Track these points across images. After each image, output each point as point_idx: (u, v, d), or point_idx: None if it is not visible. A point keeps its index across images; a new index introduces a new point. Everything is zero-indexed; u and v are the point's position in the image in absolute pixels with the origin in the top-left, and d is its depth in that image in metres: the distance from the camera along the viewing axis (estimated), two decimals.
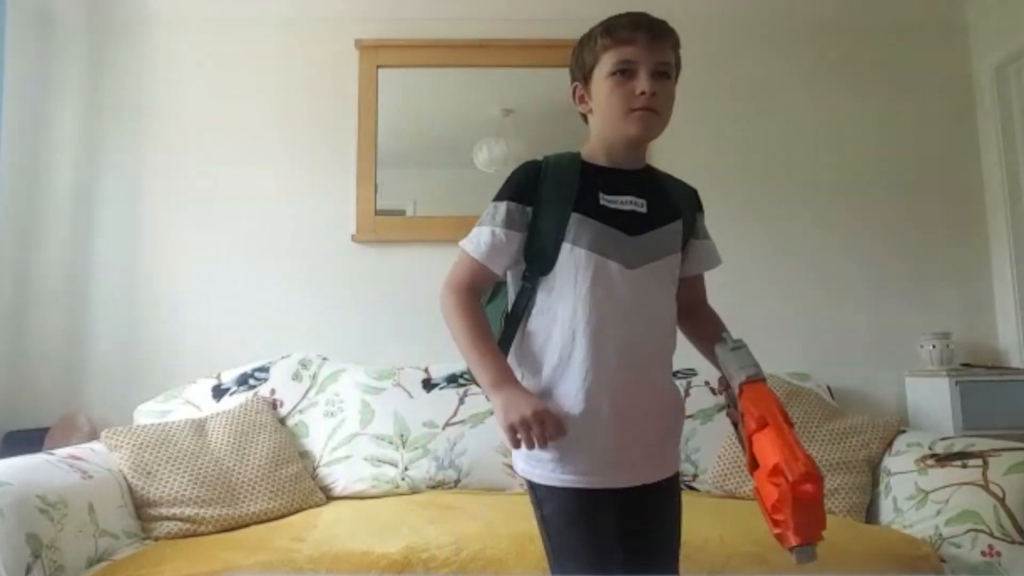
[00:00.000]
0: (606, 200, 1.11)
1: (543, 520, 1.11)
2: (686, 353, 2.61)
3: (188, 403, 2.24)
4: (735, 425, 1.06)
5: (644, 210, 1.12)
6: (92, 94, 2.63)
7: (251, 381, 2.30)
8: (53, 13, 2.62)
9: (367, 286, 2.56)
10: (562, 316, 1.09)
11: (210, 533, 1.81)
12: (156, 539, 1.78)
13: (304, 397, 2.29)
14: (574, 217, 1.09)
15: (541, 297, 1.12)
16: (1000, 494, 1.63)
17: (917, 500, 1.82)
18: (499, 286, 1.22)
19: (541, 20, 2.64)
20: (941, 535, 1.68)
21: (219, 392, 2.27)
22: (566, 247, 1.09)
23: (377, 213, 2.61)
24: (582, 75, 1.16)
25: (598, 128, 1.16)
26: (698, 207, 1.23)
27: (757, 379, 1.00)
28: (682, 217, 1.16)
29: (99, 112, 2.62)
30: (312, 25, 2.71)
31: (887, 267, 2.65)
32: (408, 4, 2.71)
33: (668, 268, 1.14)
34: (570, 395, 1.07)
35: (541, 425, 1.00)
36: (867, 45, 2.77)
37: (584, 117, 1.19)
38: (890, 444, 2.05)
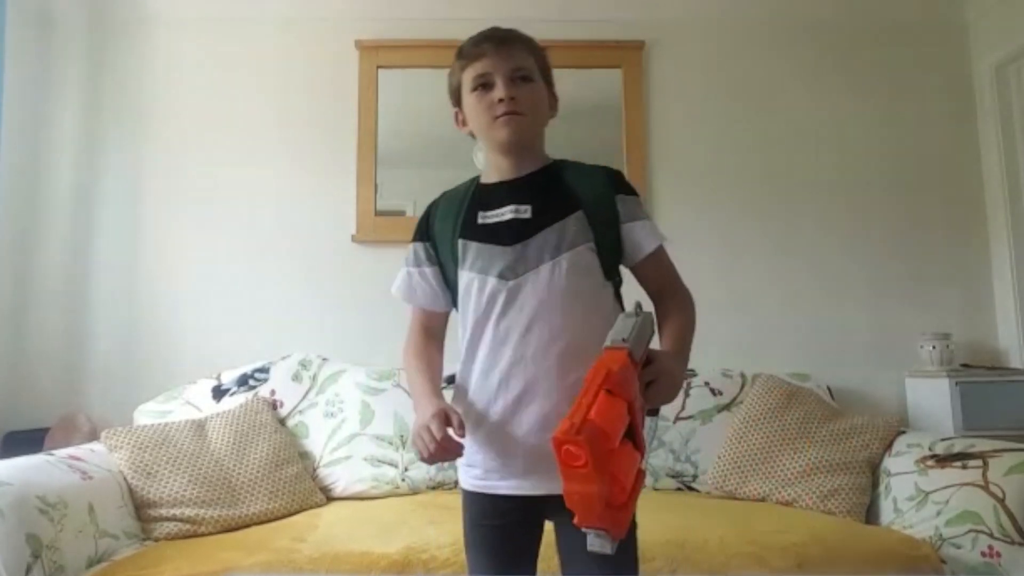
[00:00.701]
0: (484, 218, 1.14)
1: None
2: None
3: (188, 403, 2.24)
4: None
5: (528, 215, 1.11)
6: (92, 94, 2.63)
7: (251, 381, 2.30)
8: (53, 13, 2.62)
9: (367, 286, 2.56)
10: (463, 339, 1.14)
11: (210, 533, 1.81)
12: (156, 539, 1.78)
13: (304, 398, 2.29)
14: (460, 243, 1.14)
15: (461, 324, 1.16)
16: (1000, 495, 1.63)
17: (917, 501, 1.82)
18: None
19: (540, 20, 2.63)
20: (941, 536, 1.68)
21: (219, 392, 2.26)
22: (461, 273, 1.14)
23: (377, 213, 2.61)
24: (455, 100, 1.21)
25: (481, 144, 1.20)
26: (617, 189, 1.15)
27: (618, 347, 0.92)
28: (584, 208, 1.11)
29: (99, 112, 2.62)
30: (312, 25, 2.71)
31: (887, 267, 2.64)
32: (408, 4, 2.71)
33: (572, 264, 1.09)
34: (472, 407, 1.11)
35: (422, 440, 1.04)
36: (867, 45, 2.77)
37: (472, 137, 1.22)
38: (890, 445, 2.05)
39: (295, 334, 2.51)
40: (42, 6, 2.59)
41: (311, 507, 2.00)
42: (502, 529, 1.13)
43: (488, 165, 1.20)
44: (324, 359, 2.39)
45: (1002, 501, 1.62)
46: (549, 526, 1.13)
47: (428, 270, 1.19)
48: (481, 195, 1.17)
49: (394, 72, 2.69)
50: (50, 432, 2.30)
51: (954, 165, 2.74)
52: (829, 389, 2.41)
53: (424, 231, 1.21)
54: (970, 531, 1.63)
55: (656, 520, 1.70)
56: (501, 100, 1.11)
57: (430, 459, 1.04)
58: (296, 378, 2.32)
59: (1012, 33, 2.61)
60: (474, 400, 1.11)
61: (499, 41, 1.15)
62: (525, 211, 1.12)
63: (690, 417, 2.25)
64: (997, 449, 1.76)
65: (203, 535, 1.80)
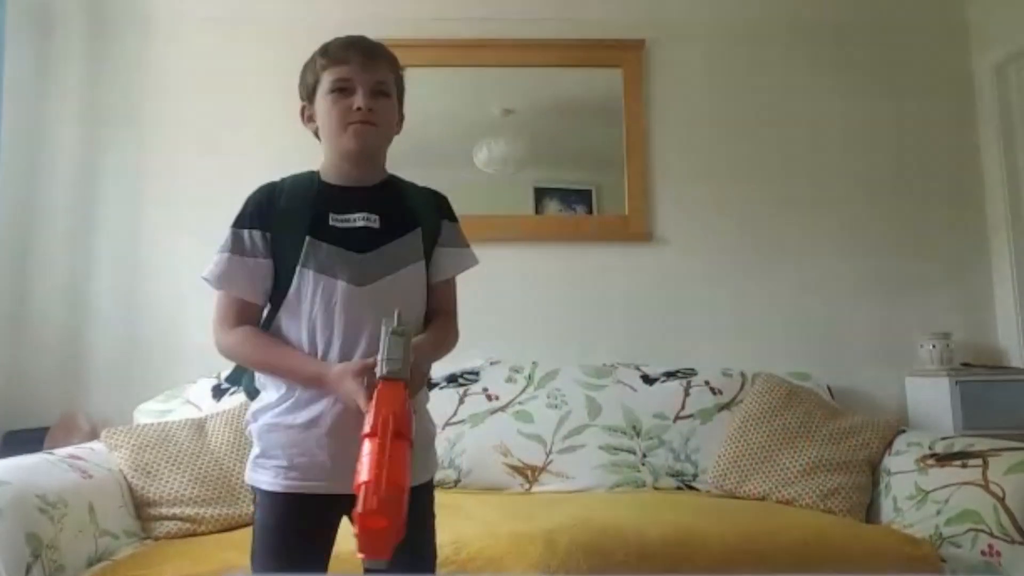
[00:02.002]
0: (336, 220, 1.14)
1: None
2: (687, 353, 2.61)
3: (188, 403, 2.24)
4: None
5: (376, 225, 1.14)
6: (92, 94, 2.63)
7: None
8: (53, 13, 2.62)
9: None
10: (295, 337, 1.12)
11: (210, 533, 1.80)
12: (156, 539, 1.78)
13: None
14: (308, 240, 1.12)
15: (281, 320, 1.14)
16: (1000, 494, 1.63)
17: (917, 500, 1.82)
18: None
19: (541, 20, 2.64)
20: (941, 535, 1.68)
21: (219, 392, 2.26)
22: (299, 271, 1.12)
23: None
24: (307, 95, 1.21)
25: (325, 145, 1.20)
26: (445, 215, 1.24)
27: (396, 377, 0.95)
28: (422, 226, 1.18)
29: (99, 112, 2.62)
30: (312, 25, 2.70)
31: (887, 267, 2.64)
32: (408, 4, 2.71)
33: (409, 279, 1.15)
34: (300, 407, 1.10)
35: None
36: (867, 45, 2.77)
37: (316, 135, 1.23)
38: (890, 444, 2.05)
39: None
40: (42, 6, 2.59)
41: None
42: (313, 532, 1.12)
43: (330, 165, 1.20)
44: None
45: (1002, 500, 1.62)
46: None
47: (261, 261, 1.14)
48: (329, 195, 1.17)
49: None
50: (50, 431, 2.30)
51: (954, 165, 2.74)
52: (829, 389, 2.41)
53: (262, 218, 1.15)
54: (970, 530, 1.63)
55: (656, 519, 1.71)
56: (359, 109, 1.13)
57: None
58: None
59: (1012, 33, 2.61)
60: (312, 398, 1.09)
61: (367, 52, 1.17)
62: (374, 221, 1.14)
63: (690, 416, 2.25)
64: (997, 448, 1.76)
65: (203, 534, 1.80)
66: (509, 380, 2.33)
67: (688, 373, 2.34)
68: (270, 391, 1.16)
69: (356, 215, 1.14)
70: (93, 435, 2.20)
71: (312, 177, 1.21)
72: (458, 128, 2.67)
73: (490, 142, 2.64)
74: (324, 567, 1.11)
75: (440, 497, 2.06)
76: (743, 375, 2.36)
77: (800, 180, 2.69)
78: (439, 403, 2.24)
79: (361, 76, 1.15)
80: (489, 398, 2.26)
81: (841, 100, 2.74)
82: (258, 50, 2.68)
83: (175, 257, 2.56)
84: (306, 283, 1.12)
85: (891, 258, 2.65)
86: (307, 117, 1.23)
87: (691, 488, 2.17)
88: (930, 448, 1.91)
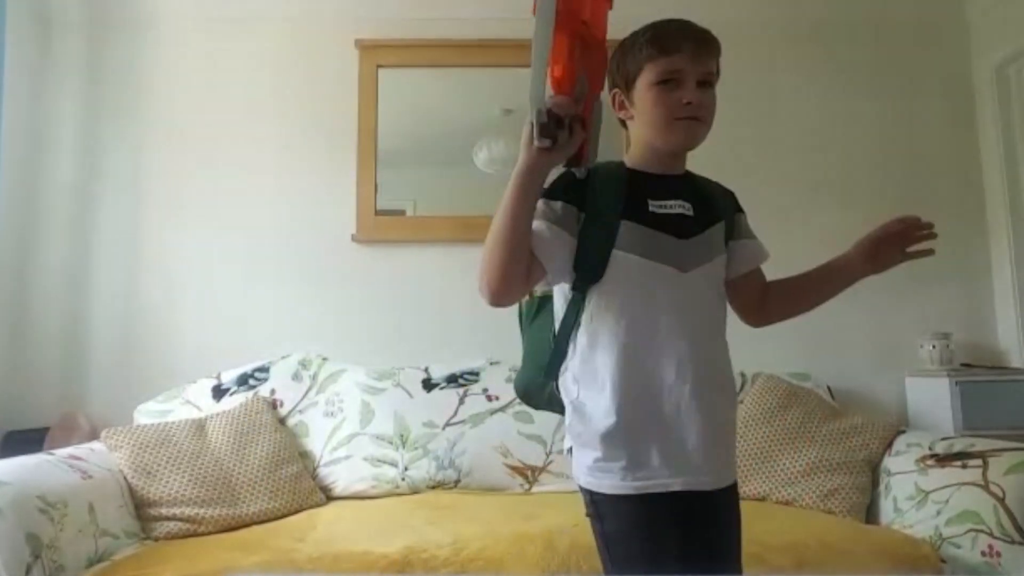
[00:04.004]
0: (655, 206, 1.11)
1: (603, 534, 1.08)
2: None
3: (188, 403, 2.24)
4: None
5: (691, 213, 1.13)
6: (92, 94, 2.63)
7: (251, 381, 2.30)
8: (53, 13, 2.62)
9: (367, 286, 2.56)
10: (618, 324, 1.06)
11: (210, 533, 1.81)
12: (156, 539, 1.78)
13: (304, 397, 2.29)
14: (624, 224, 1.08)
15: (594, 307, 1.08)
16: (1000, 494, 1.63)
17: (917, 500, 1.82)
18: (543, 303, 1.20)
19: None
20: (941, 535, 1.68)
21: (219, 392, 2.26)
22: (617, 255, 1.07)
23: (377, 213, 2.61)
24: (624, 82, 1.16)
25: (641, 135, 1.16)
26: (736, 208, 1.25)
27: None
28: (723, 219, 1.18)
29: (99, 112, 2.62)
30: (312, 25, 2.71)
31: None
32: (408, 4, 2.71)
33: (717, 269, 1.15)
34: (628, 400, 1.05)
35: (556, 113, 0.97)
36: (867, 45, 2.77)
37: (622, 123, 1.20)
38: (890, 444, 2.05)
39: (295, 334, 2.50)
40: (42, 6, 2.59)
41: (311, 507, 2.00)
42: (688, 529, 1.07)
43: (642, 153, 1.16)
44: (324, 359, 2.39)
45: (1002, 500, 1.62)
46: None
47: (568, 237, 1.08)
48: (642, 182, 1.13)
49: (394, 72, 2.69)
50: (50, 432, 2.30)
51: (954, 165, 2.74)
52: (829, 389, 2.41)
53: (577, 195, 1.09)
54: (970, 530, 1.63)
55: None
56: (688, 103, 1.09)
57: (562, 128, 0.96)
58: (296, 377, 2.32)
59: (1012, 33, 2.61)
60: (645, 389, 1.05)
61: (700, 42, 1.13)
62: (689, 208, 1.13)
63: None
64: (997, 448, 1.76)
65: (203, 535, 1.80)
66: (509, 380, 2.33)
67: None
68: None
69: (674, 202, 1.13)
70: (93, 435, 2.20)
71: (621, 165, 1.16)
72: (458, 128, 2.68)
73: (490, 142, 2.64)
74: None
75: (440, 497, 2.07)
76: (743, 375, 2.36)
77: (799, 180, 2.69)
78: (439, 403, 2.24)
79: (693, 68, 1.10)
80: (489, 398, 2.26)
81: (840, 101, 2.74)
82: (258, 50, 2.69)
83: (175, 257, 2.57)
84: (626, 268, 1.07)
85: None
86: (619, 104, 1.18)
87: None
88: (930, 448, 1.91)
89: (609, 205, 1.09)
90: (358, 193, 2.61)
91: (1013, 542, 1.58)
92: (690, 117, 1.10)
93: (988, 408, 2.31)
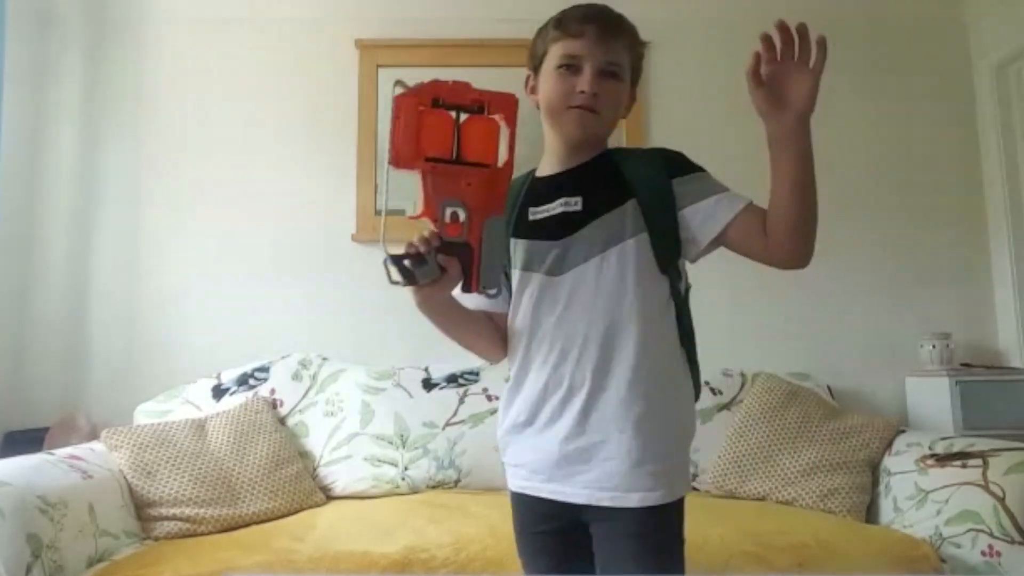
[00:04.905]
0: (534, 213, 1.10)
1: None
2: None
3: (188, 403, 2.24)
4: None
5: (579, 207, 1.06)
6: (92, 94, 2.63)
7: (251, 381, 2.30)
8: (53, 13, 2.62)
9: (367, 286, 2.54)
10: (516, 341, 1.11)
11: (210, 533, 1.81)
12: (156, 539, 1.78)
13: (304, 397, 2.29)
14: (513, 242, 1.10)
15: (511, 327, 1.13)
16: (1000, 494, 1.63)
17: (917, 500, 1.82)
18: None
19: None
20: (941, 535, 1.68)
21: (219, 392, 2.26)
22: (513, 272, 1.11)
23: (377, 213, 2.61)
24: (533, 65, 1.14)
25: (544, 122, 1.14)
26: (672, 172, 1.07)
27: None
28: (637, 195, 1.05)
29: (99, 112, 2.62)
30: (312, 25, 2.71)
31: (887, 267, 2.64)
32: (408, 4, 2.71)
33: (621, 258, 1.04)
34: (524, 407, 1.09)
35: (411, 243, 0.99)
36: (867, 45, 2.77)
37: (537, 107, 1.16)
38: (890, 444, 2.05)
39: (295, 333, 2.50)
40: (42, 6, 2.59)
41: (311, 507, 2.00)
42: (552, 535, 1.10)
43: (544, 149, 1.15)
44: (324, 358, 2.39)
45: (1002, 500, 1.62)
46: None
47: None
48: (533, 190, 1.13)
49: (394, 72, 2.68)
50: (50, 432, 2.30)
51: (954, 165, 2.74)
52: (829, 389, 2.41)
53: None
54: (970, 530, 1.63)
55: None
56: (583, 92, 1.04)
57: (416, 257, 0.97)
58: (296, 377, 2.32)
59: (1012, 33, 2.61)
60: (526, 399, 1.09)
61: (604, 27, 1.06)
62: (575, 203, 1.07)
63: None
64: (997, 448, 1.76)
65: (203, 535, 1.80)
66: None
67: None
68: None
69: (555, 203, 1.08)
70: (93, 435, 2.20)
71: (526, 177, 1.16)
72: None
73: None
74: None
75: (440, 497, 2.07)
76: (743, 375, 2.36)
77: None
78: (439, 403, 2.24)
79: (592, 54, 1.04)
80: (489, 398, 2.26)
81: (840, 101, 2.73)
82: (258, 50, 2.69)
83: (175, 257, 2.57)
84: (517, 284, 1.10)
85: (891, 258, 2.65)
86: (530, 89, 1.15)
87: (691, 488, 2.16)
88: (930, 448, 1.91)
89: (507, 227, 1.11)
90: (358, 193, 2.61)
91: (1013, 542, 1.58)
92: (583, 106, 1.05)
93: (988, 408, 2.31)
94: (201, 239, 2.58)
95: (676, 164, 1.09)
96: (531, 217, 1.10)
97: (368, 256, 2.59)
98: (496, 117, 1.00)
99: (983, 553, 1.60)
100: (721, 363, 2.39)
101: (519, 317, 1.10)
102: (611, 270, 1.04)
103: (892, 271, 2.64)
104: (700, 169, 1.09)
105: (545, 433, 1.06)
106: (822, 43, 0.94)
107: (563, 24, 1.08)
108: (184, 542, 1.74)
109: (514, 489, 1.12)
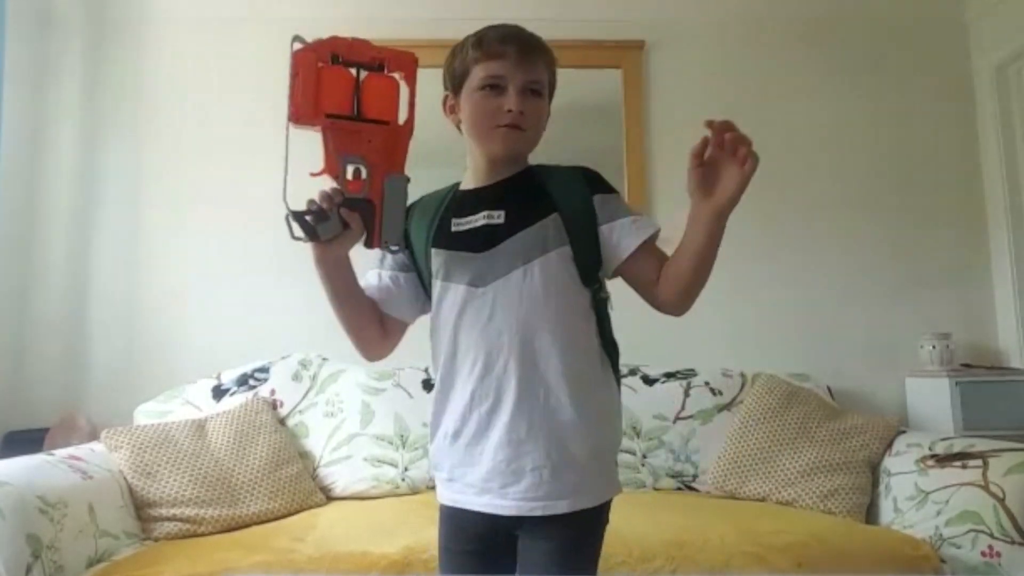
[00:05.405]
0: (456, 224, 1.11)
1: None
2: (686, 353, 2.61)
3: (188, 403, 2.24)
4: None
5: (501, 220, 1.08)
6: (92, 94, 2.62)
7: (251, 381, 2.29)
8: (53, 13, 2.61)
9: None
10: (437, 351, 1.12)
11: (210, 533, 1.81)
12: (156, 539, 1.78)
13: (304, 397, 2.29)
14: (432, 252, 1.12)
15: (432, 336, 1.14)
16: (1000, 495, 1.63)
17: (917, 500, 1.82)
18: None
19: (541, 21, 2.62)
20: (941, 535, 1.68)
21: (219, 392, 2.26)
22: (433, 284, 1.12)
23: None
24: (452, 85, 1.16)
25: (468, 141, 1.15)
26: (594, 189, 1.10)
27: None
28: (559, 210, 1.07)
29: (99, 112, 2.62)
30: (312, 25, 2.69)
31: (887, 267, 2.64)
32: (408, 4, 2.71)
33: (544, 269, 1.05)
34: (451, 418, 1.10)
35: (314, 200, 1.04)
36: (867, 45, 2.77)
37: (458, 127, 1.18)
38: (890, 444, 2.05)
39: (295, 334, 2.50)
40: (42, 6, 2.59)
41: (311, 507, 2.00)
42: (477, 556, 1.11)
43: (468, 165, 1.17)
44: (324, 359, 2.39)
45: (1002, 501, 1.62)
46: None
47: (404, 276, 1.17)
48: (457, 202, 1.15)
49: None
50: (50, 432, 2.30)
51: (954, 165, 2.74)
52: (829, 389, 2.41)
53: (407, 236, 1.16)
54: (970, 531, 1.63)
55: (656, 520, 1.71)
56: (509, 111, 1.07)
57: (318, 213, 1.01)
58: (296, 378, 2.32)
59: (1012, 33, 2.61)
60: (453, 411, 1.09)
61: (524, 48, 1.10)
62: (498, 216, 1.08)
63: (690, 417, 2.25)
64: (997, 449, 1.76)
65: (203, 535, 1.80)
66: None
67: (688, 374, 2.34)
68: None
69: (478, 215, 1.10)
70: (93, 436, 2.20)
71: (449, 189, 1.19)
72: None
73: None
74: None
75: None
76: (743, 376, 2.36)
77: (800, 180, 2.69)
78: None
79: (515, 75, 1.07)
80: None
81: (841, 100, 2.74)
82: (258, 50, 2.68)
83: (175, 257, 2.57)
84: (438, 294, 1.11)
85: (891, 258, 2.65)
86: (449, 108, 1.17)
87: (691, 489, 2.17)
88: (930, 449, 1.91)
89: (420, 238, 1.14)
90: None
91: (1013, 542, 1.58)
92: (510, 125, 1.07)
93: (988, 408, 2.31)
94: (201, 239, 2.58)
95: (597, 182, 1.12)
96: (453, 228, 1.11)
97: (369, 256, 2.59)
98: (396, 75, 1.02)
99: (983, 554, 1.60)
100: (721, 363, 2.39)
101: (440, 328, 1.11)
102: (534, 282, 1.05)
103: (892, 271, 2.65)
104: (616, 191, 1.14)
105: (475, 445, 1.06)
106: (750, 152, 0.98)
107: (484, 45, 1.10)
108: (184, 542, 1.74)
109: (446, 503, 1.13)
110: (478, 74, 1.09)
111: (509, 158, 1.12)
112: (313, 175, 1.01)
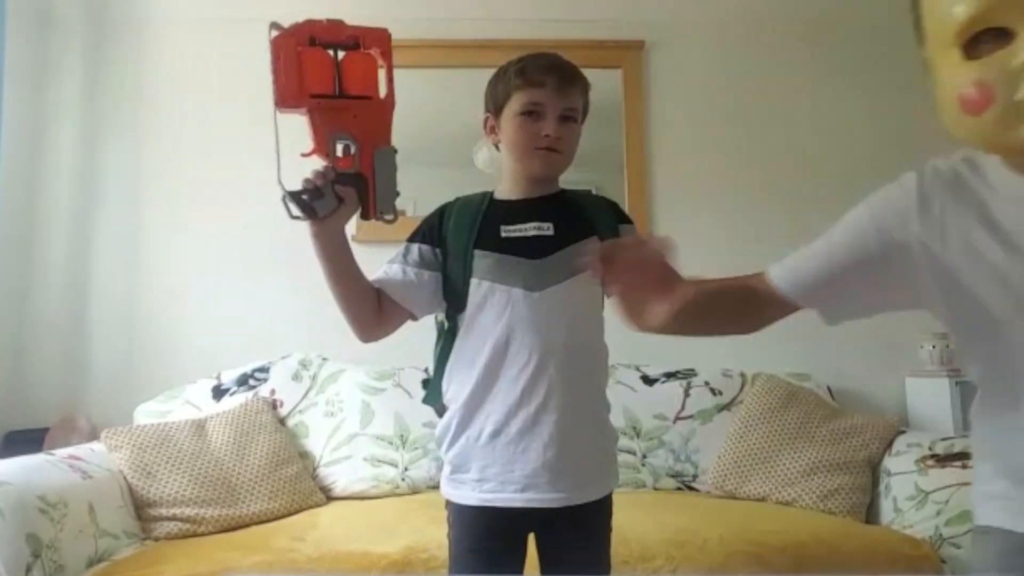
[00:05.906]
0: (507, 231, 1.18)
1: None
2: (686, 353, 2.60)
3: (188, 403, 2.24)
4: None
5: (551, 232, 1.17)
6: (92, 95, 2.62)
7: (251, 381, 2.30)
8: (53, 13, 2.62)
9: None
10: (476, 346, 1.16)
11: (210, 533, 1.81)
12: (156, 539, 1.78)
13: (304, 397, 2.29)
14: (477, 253, 1.17)
15: (461, 333, 1.19)
16: None
17: (917, 500, 1.82)
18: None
19: (540, 21, 2.64)
20: (941, 535, 1.68)
21: (219, 392, 2.26)
22: (473, 282, 1.16)
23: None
24: (494, 108, 1.24)
25: (505, 159, 1.24)
26: (620, 219, 1.26)
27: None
28: (598, 233, 1.19)
29: (99, 112, 2.62)
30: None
31: None
32: (408, 4, 2.71)
33: (587, 284, 1.13)
34: (482, 417, 1.15)
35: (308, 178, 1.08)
36: (867, 45, 2.77)
37: (496, 146, 1.27)
38: (890, 444, 2.05)
39: (295, 334, 2.50)
40: (42, 6, 2.59)
41: (311, 507, 2.00)
42: (496, 554, 1.15)
43: (507, 178, 1.25)
44: (324, 359, 2.39)
45: None
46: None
47: (428, 274, 1.20)
48: (500, 210, 1.21)
49: (394, 71, 2.68)
50: (50, 432, 2.30)
51: None
52: (829, 389, 2.41)
53: (433, 235, 1.22)
54: (970, 531, 1.63)
55: (656, 520, 1.71)
56: (547, 135, 1.16)
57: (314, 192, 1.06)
58: (296, 378, 2.32)
59: None
60: (494, 411, 1.13)
61: (563, 78, 1.19)
62: (547, 228, 1.17)
63: (690, 417, 2.25)
64: None
65: (203, 535, 1.80)
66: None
67: (688, 374, 2.34)
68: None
69: (528, 225, 1.18)
70: (93, 435, 2.20)
71: (483, 197, 1.25)
72: (458, 128, 2.67)
73: (490, 143, 2.63)
74: None
75: (440, 497, 2.06)
76: (743, 376, 2.36)
77: (801, 180, 2.69)
78: None
79: (554, 103, 1.17)
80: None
81: (841, 99, 2.74)
82: (258, 50, 2.67)
83: (175, 257, 2.56)
84: (483, 294, 1.16)
85: None
86: (490, 128, 1.26)
87: (691, 489, 2.17)
88: (930, 449, 1.91)
89: (461, 238, 1.19)
90: None
91: None
92: (548, 148, 1.17)
93: None
94: (201, 239, 2.58)
95: (620, 213, 1.28)
96: (503, 234, 1.18)
97: (369, 257, 2.57)
98: (372, 52, 1.06)
99: None
100: (721, 363, 2.39)
101: (481, 327, 1.16)
102: (583, 294, 1.17)
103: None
104: (633, 222, 1.29)
105: (519, 443, 1.12)
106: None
107: (526, 74, 1.19)
108: (184, 542, 1.74)
109: (473, 503, 1.15)
110: (519, 100, 1.18)
111: (547, 177, 1.22)
112: (304, 155, 1.04)
